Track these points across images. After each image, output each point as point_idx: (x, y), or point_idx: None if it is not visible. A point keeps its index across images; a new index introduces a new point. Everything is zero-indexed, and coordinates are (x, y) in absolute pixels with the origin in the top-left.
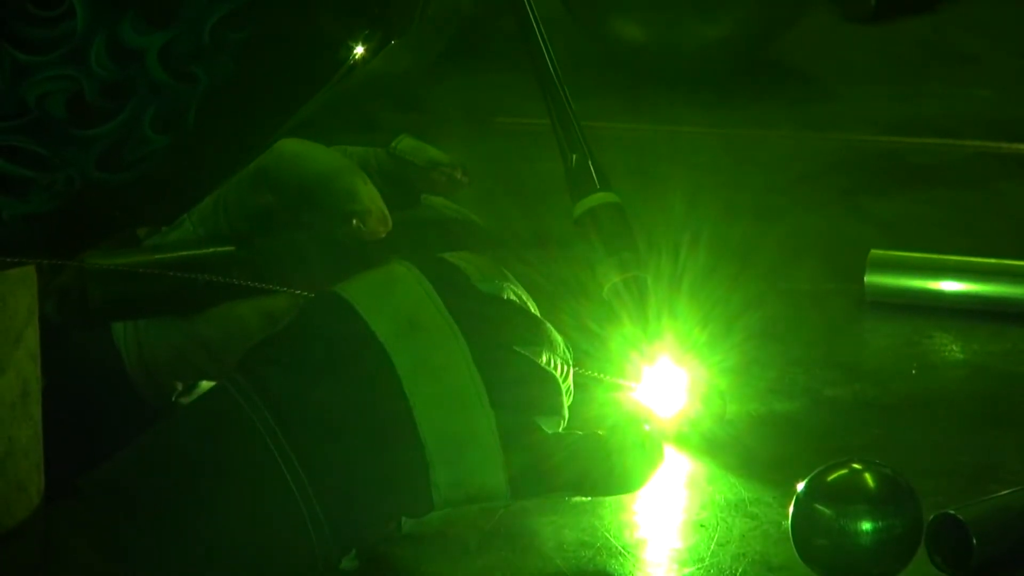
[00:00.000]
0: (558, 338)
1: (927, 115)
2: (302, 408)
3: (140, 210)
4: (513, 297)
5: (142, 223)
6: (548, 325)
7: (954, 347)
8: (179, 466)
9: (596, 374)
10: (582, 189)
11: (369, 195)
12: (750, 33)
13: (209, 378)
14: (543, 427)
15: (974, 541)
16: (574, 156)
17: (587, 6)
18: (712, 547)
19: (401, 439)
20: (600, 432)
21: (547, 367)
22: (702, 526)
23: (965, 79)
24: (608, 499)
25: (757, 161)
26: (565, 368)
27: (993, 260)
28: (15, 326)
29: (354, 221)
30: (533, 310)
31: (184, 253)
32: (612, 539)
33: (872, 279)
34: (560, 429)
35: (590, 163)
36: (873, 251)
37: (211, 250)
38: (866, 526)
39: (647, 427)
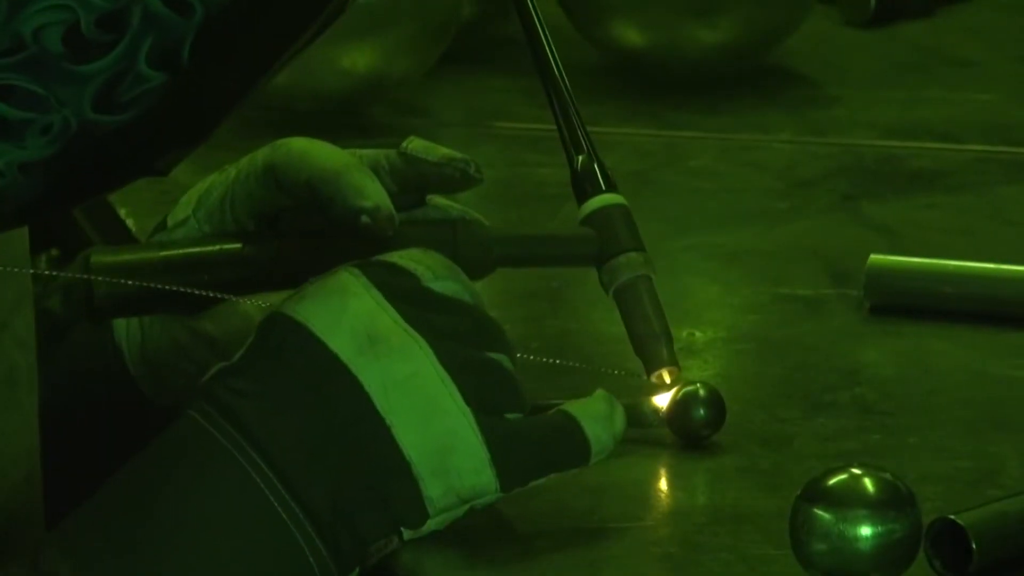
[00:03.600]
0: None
1: (927, 120)
2: (279, 438)
3: (138, 157)
4: (467, 297)
5: (140, 173)
6: (499, 323)
7: (954, 352)
8: (162, 504)
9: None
10: (588, 190)
11: (377, 192)
12: (749, 38)
13: None
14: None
15: (974, 546)
16: (580, 158)
17: (586, 11)
18: (709, 553)
19: (385, 459)
20: (564, 407)
21: (509, 368)
22: (699, 532)
23: (964, 84)
24: (605, 502)
25: (755, 166)
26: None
27: (993, 265)
28: None
29: (363, 218)
30: (483, 306)
31: (190, 250)
32: (610, 542)
33: (872, 284)
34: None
35: (595, 165)
36: (873, 256)
37: (217, 247)
38: (865, 531)
39: (610, 396)
